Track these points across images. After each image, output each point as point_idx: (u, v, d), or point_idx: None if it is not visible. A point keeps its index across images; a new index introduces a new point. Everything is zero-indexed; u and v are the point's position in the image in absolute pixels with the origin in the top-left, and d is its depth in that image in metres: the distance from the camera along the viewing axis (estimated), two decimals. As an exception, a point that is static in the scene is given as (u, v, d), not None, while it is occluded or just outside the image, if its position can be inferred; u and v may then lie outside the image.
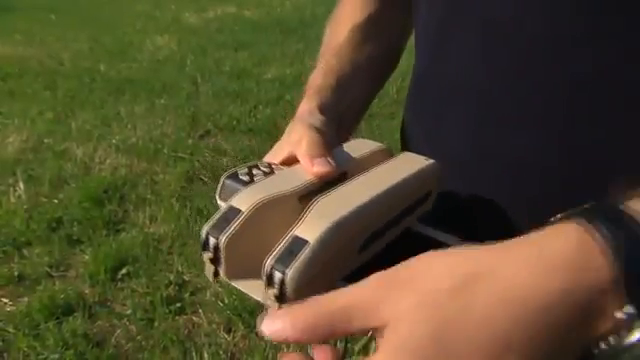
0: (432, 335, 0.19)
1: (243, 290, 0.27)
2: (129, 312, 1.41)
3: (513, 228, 0.39)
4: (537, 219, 0.37)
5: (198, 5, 5.39)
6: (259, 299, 0.27)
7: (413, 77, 0.48)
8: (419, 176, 0.33)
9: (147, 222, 1.83)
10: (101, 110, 2.84)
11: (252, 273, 0.27)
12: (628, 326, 0.19)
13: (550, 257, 0.20)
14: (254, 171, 0.33)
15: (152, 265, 1.61)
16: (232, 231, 0.27)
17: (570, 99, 0.34)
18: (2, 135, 2.51)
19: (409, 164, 0.34)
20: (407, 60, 0.52)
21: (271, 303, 0.26)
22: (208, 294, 1.49)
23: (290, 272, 0.25)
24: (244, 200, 0.28)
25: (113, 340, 1.33)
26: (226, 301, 1.45)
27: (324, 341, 0.25)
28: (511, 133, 0.37)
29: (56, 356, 1.26)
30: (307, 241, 0.26)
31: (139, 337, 1.34)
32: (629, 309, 0.19)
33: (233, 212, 0.28)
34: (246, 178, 0.32)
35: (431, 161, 0.35)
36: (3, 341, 1.31)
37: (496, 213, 0.40)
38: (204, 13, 5.12)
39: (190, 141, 2.44)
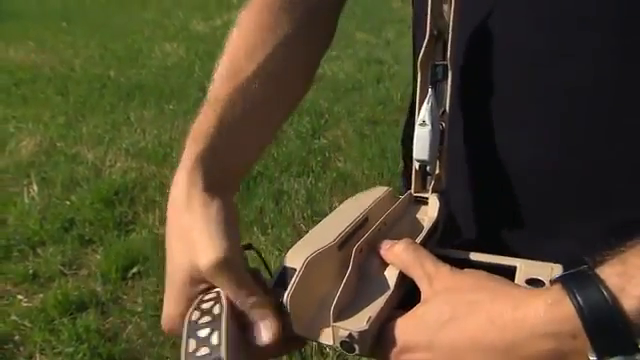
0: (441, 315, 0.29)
1: (315, 339, 0.31)
2: (140, 309, 1.46)
3: (517, 227, 0.43)
4: (540, 217, 0.41)
5: (205, 13, 5.48)
6: (330, 343, 0.30)
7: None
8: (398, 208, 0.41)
9: (157, 223, 1.88)
10: (111, 115, 2.91)
11: (313, 323, 0.31)
12: None
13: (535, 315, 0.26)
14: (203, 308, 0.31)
15: (162, 264, 1.65)
16: (293, 288, 0.31)
17: (570, 103, 0.37)
18: (16, 139, 2.58)
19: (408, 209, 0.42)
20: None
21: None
22: (216, 293, 1.54)
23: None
24: (295, 258, 0.32)
25: (125, 336, 1.38)
26: (233, 299, 1.49)
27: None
28: (517, 136, 0.40)
29: (70, 350, 1.31)
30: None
31: (150, 333, 1.38)
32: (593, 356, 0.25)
33: (289, 271, 0.32)
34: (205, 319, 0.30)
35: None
36: (20, 335, 1.37)
37: (503, 215, 0.44)
38: (211, 21, 5.20)
39: (198, 145, 2.50)
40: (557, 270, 0.34)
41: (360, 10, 5.13)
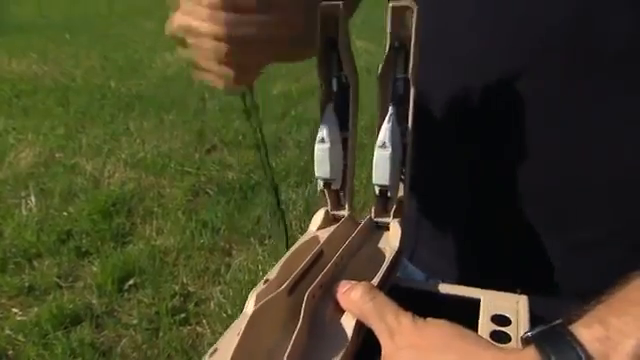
0: None
1: None
2: (135, 322, 1.45)
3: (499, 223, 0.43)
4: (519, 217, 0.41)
5: (207, 23, 5.50)
6: None
7: None
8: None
9: (154, 234, 1.88)
10: (111, 125, 2.92)
11: None
12: None
13: None
14: None
15: (158, 277, 1.65)
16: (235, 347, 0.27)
17: (537, 117, 0.38)
18: (16, 150, 2.58)
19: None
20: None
21: None
22: (212, 305, 1.52)
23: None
24: (249, 305, 0.30)
25: (119, 349, 1.36)
26: (229, 312, 1.48)
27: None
28: (482, 148, 0.41)
29: (64, 364, 1.29)
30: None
31: (144, 346, 1.37)
32: None
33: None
34: None
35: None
36: (13, 349, 1.36)
37: (468, 227, 0.45)
38: (212, 31, 5.23)
39: (197, 156, 2.50)
40: (522, 302, 0.33)
41: (359, 18, 5.15)
